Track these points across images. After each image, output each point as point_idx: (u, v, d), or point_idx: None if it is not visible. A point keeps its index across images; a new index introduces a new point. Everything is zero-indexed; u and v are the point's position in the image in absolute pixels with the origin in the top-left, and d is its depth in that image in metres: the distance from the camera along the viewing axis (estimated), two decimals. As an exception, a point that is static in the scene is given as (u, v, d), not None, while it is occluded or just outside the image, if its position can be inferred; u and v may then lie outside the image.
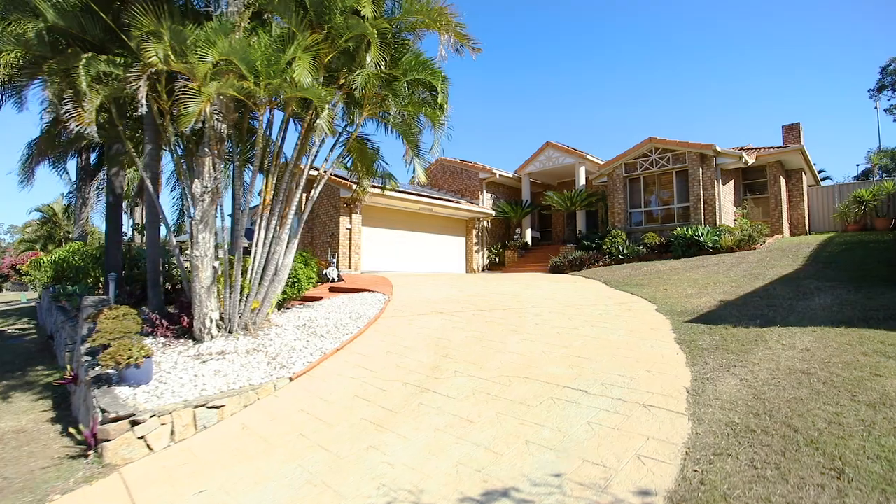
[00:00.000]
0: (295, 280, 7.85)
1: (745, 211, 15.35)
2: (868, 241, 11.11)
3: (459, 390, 4.43)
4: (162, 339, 5.92)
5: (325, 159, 7.99)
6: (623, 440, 3.13)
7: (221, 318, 6.02)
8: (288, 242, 6.95)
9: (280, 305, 8.02)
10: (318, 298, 9.77)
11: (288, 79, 4.85)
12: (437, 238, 18.04)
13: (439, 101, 6.94)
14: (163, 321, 5.97)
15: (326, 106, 5.04)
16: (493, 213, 19.13)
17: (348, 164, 9.26)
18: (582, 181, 17.64)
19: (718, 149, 13.64)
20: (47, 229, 29.24)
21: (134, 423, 3.98)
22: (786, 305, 5.97)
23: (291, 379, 5.36)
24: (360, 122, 7.24)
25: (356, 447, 3.64)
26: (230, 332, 6.08)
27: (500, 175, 19.27)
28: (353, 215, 14.73)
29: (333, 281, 14.03)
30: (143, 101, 4.57)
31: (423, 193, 17.50)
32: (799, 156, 15.39)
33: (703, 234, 12.79)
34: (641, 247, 13.99)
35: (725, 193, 14.63)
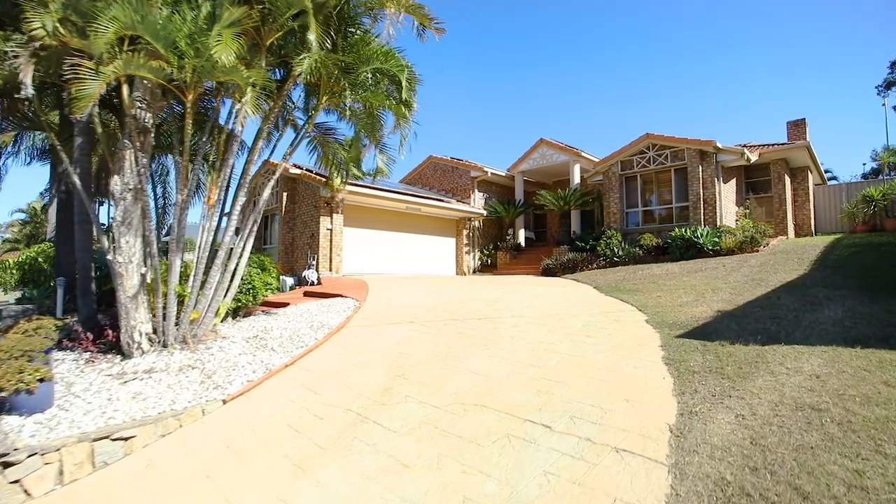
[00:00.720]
0: (250, 287, 7.22)
1: (748, 211, 14.67)
2: (879, 242, 10.41)
3: (405, 421, 3.78)
4: (86, 355, 5.29)
5: (287, 155, 7.34)
6: (583, 502, 2.47)
7: (155, 331, 5.39)
8: (243, 244, 6.32)
9: (235, 313, 7.39)
10: (285, 304, 9.13)
11: (212, 59, 4.21)
12: (425, 239, 17.39)
13: (404, 95, 6.29)
14: (88, 334, 5.34)
15: (249, 89, 4.39)
16: (485, 212, 18.48)
17: (338, 161, 8.61)
18: (577, 180, 16.97)
19: (719, 145, 12.96)
20: (31, 229, 28.70)
21: (6, 465, 3.34)
22: (791, 318, 5.30)
23: (225, 401, 4.72)
24: (317, 112, 6.59)
25: (264, 497, 3.00)
26: (165, 346, 5.44)
27: (492, 173, 18.61)
28: (335, 215, 14.08)
29: (312, 284, 13.40)
30: (28, 83, 3.94)
31: (410, 192, 16.86)
32: (804, 153, 14.69)
33: (702, 235, 12.12)
34: (637, 248, 13.31)
35: (727, 192, 13.95)
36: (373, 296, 9.66)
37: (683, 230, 12.50)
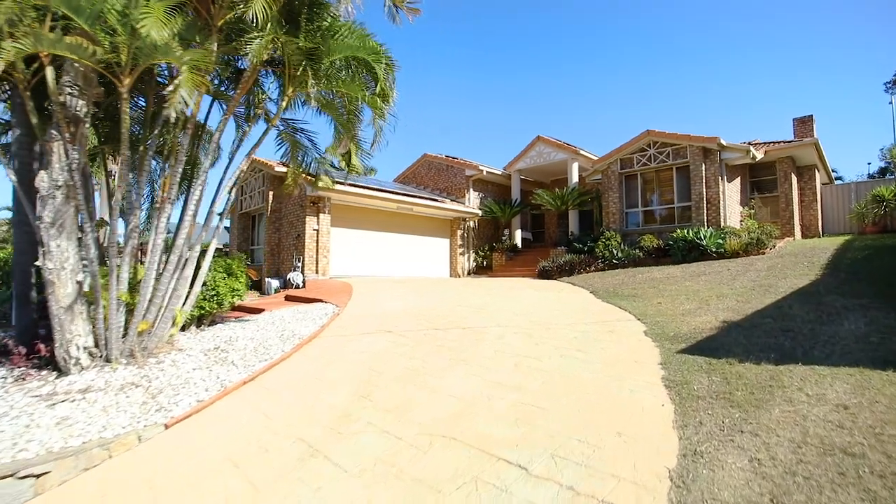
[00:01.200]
0: (214, 293, 6.68)
1: (753, 211, 14.11)
2: (894, 245, 9.86)
3: (359, 457, 3.24)
4: (17, 372, 4.76)
5: (252, 151, 6.79)
6: (558, 584, 1.93)
7: (96, 345, 4.85)
8: (204, 246, 5.80)
9: (200, 322, 6.85)
10: (260, 311, 8.60)
11: (146, 38, 3.67)
12: (418, 240, 16.86)
13: (379, 87, 5.75)
14: (20, 348, 4.81)
15: (186, 69, 3.85)
16: (480, 212, 17.95)
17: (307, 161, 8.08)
18: (575, 179, 16.43)
19: (723, 142, 12.41)
20: (18, 229, 28.17)
21: None
22: (806, 331, 4.76)
23: (167, 426, 4.18)
24: (284, 104, 6.05)
25: (173, 562, 2.46)
26: (108, 361, 4.91)
27: (487, 172, 18.08)
28: (321, 215, 13.55)
29: (297, 287, 12.89)
30: None
31: (402, 192, 16.34)
32: (812, 150, 14.14)
33: (705, 236, 11.57)
34: (637, 250, 12.77)
35: (731, 192, 13.40)
36: (355, 301, 9.13)
37: (685, 231, 11.95)
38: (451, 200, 18.21)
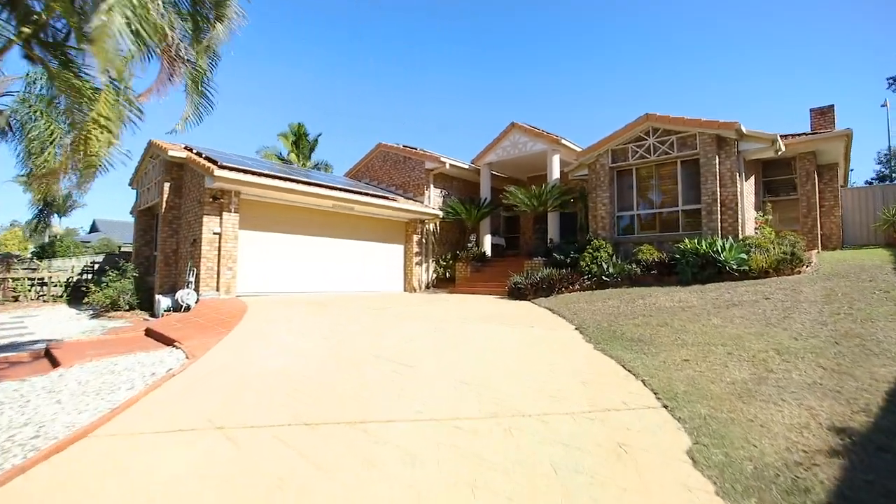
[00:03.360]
0: None
1: (769, 217, 11.78)
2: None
3: None
4: None
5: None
6: None
7: None
8: None
9: None
10: (56, 364, 5.54)
11: None
12: (363, 247, 13.97)
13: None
14: None
15: None
16: (442, 214, 15.18)
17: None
18: (556, 174, 13.84)
19: (743, 129, 10.00)
20: None
21: None
22: None
23: None
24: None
25: None
26: None
27: (451, 165, 15.36)
28: (226, 214, 10.52)
29: (187, 310, 9.85)
30: None
31: (338, 186, 13.43)
32: (841, 145, 11.92)
33: (723, 249, 9.08)
34: (633, 265, 10.24)
35: (747, 193, 11.01)
36: (229, 343, 6.20)
37: (697, 242, 9.46)
38: (407, 199, 15.41)
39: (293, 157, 25.41)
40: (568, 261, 11.37)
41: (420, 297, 12.83)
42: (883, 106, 30.24)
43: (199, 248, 10.24)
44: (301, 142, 26.36)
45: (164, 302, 10.68)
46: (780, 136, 12.91)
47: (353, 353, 5.73)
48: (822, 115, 13.91)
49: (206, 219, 10.24)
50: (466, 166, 15.89)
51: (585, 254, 10.93)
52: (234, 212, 10.60)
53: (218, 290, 10.32)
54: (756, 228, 11.16)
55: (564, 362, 5.04)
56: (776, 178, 13.22)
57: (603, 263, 10.60)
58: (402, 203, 14.20)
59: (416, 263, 14.93)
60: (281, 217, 11.93)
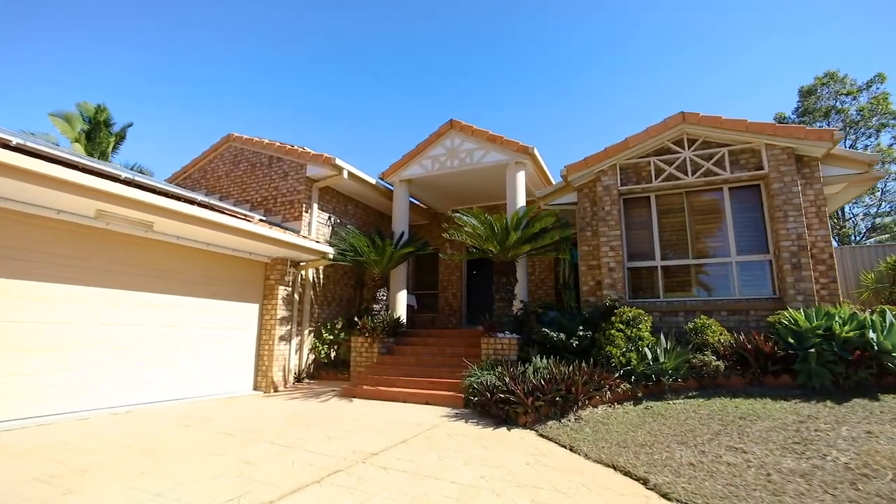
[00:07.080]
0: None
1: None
2: None
3: None
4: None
5: None
6: None
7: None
8: None
9: None
10: None
11: None
12: (176, 307, 7.31)
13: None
14: None
15: None
16: (332, 251, 9.32)
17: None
18: (521, 200, 9.29)
19: (836, 135, 6.78)
20: None
21: None
22: None
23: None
24: None
25: None
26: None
27: (350, 174, 9.84)
28: None
29: None
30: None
31: (131, 178, 6.88)
32: None
33: (877, 328, 5.27)
34: (709, 355, 5.92)
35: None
36: None
37: (834, 322, 5.52)
38: (271, 224, 9.27)
39: (80, 150, 16.79)
40: (575, 344, 6.60)
41: (286, 412, 6.60)
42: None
43: None
44: (98, 133, 17.85)
45: None
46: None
47: None
48: None
49: None
50: (373, 181, 10.51)
51: (613, 331, 6.31)
52: None
53: None
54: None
55: None
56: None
57: (646, 350, 6.08)
58: (263, 228, 8.01)
59: (281, 338, 8.63)
60: (51, 248, 4.94)
